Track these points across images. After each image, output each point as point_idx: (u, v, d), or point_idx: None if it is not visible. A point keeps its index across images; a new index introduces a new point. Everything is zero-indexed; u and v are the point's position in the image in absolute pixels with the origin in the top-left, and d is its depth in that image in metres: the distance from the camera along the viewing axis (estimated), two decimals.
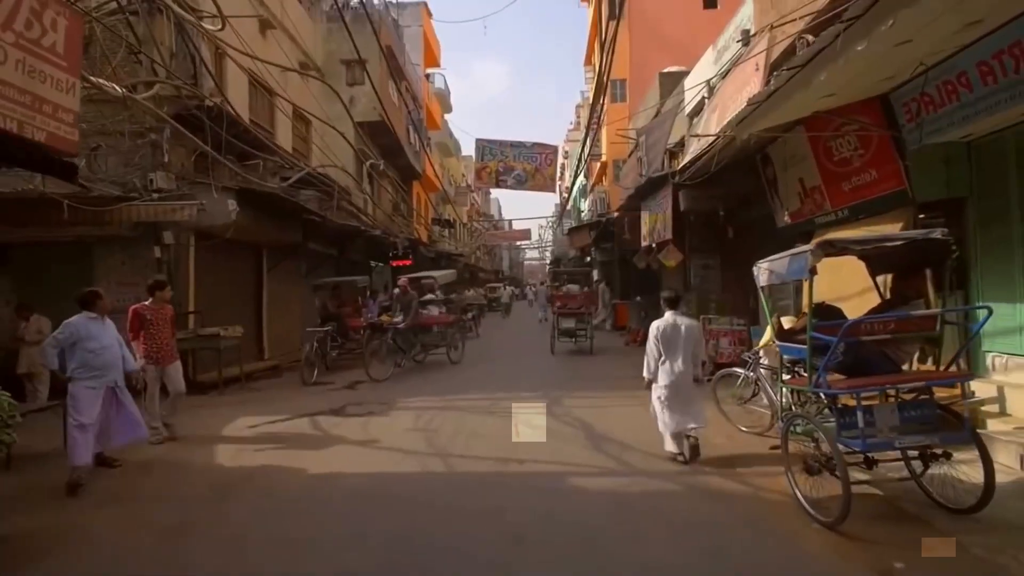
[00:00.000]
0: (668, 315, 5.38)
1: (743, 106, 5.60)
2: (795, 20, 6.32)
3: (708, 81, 11.23)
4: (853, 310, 4.54)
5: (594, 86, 14.98)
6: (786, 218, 8.83)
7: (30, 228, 8.72)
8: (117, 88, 6.72)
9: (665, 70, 16.50)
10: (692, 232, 13.37)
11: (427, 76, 30.47)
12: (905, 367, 4.14)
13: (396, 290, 12.44)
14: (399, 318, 11.52)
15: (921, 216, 6.04)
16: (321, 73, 16.56)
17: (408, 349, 11.86)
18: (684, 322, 5.35)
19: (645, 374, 5.48)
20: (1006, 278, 5.34)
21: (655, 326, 5.41)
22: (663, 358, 5.31)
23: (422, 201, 29.32)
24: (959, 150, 5.68)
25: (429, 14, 28.64)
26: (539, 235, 57.77)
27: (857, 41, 3.63)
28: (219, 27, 8.05)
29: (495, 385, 9.82)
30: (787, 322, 5.30)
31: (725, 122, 6.51)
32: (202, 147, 9.07)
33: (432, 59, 31.20)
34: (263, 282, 12.89)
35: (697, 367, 5.37)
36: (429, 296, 13.73)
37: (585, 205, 37.51)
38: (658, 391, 5.36)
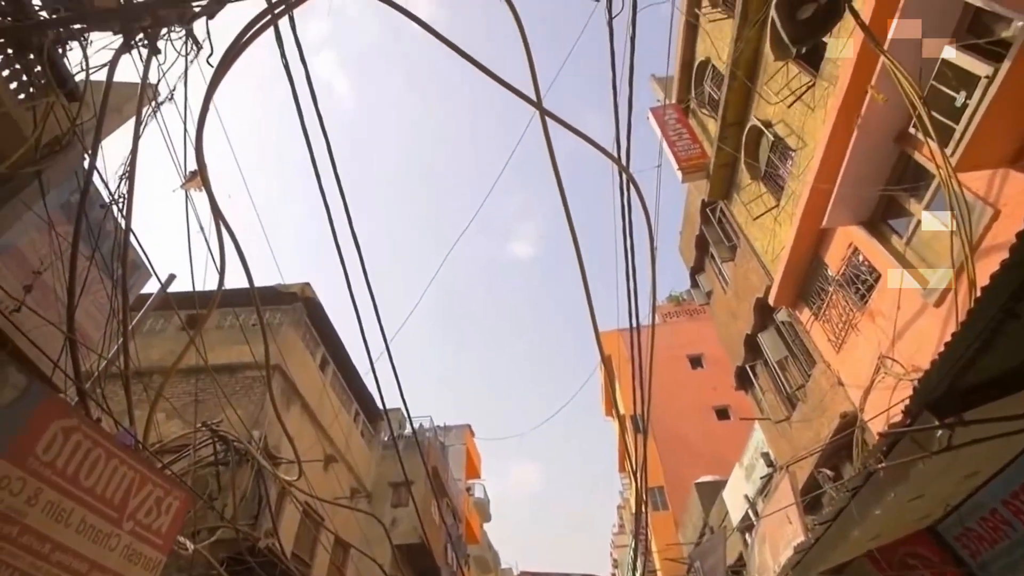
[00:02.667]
0: None
1: (791, 551, 5.63)
2: (808, 456, 6.99)
3: (747, 497, 11.44)
4: None
5: (632, 500, 15.11)
6: None
7: None
8: (188, 546, 7.22)
9: (699, 480, 16.97)
10: None
11: (468, 489, 31.43)
12: None
13: None
14: None
15: None
16: (370, 497, 17.41)
17: None
18: None
19: None
20: None
21: None
22: None
23: None
24: None
25: (472, 433, 31.77)
26: None
27: (872, 506, 4.00)
28: (296, 476, 9.14)
29: None
30: None
31: (779, 568, 6.39)
32: None
33: (473, 471, 32.81)
34: None
35: None
36: None
37: None
38: None
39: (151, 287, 8.31)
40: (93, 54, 4.90)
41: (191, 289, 5.83)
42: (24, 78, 5.22)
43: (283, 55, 4.75)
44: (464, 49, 3.94)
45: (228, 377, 12.11)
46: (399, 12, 4.21)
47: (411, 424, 9.25)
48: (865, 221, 6.86)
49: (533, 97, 4.14)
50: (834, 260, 7.57)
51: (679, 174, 10.67)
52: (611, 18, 4.47)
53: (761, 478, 10.63)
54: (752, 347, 11.28)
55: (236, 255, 4.79)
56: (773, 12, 4.10)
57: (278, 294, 14.59)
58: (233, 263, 7.16)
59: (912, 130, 5.26)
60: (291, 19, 4.64)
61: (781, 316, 9.69)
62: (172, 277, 8.52)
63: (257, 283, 5.42)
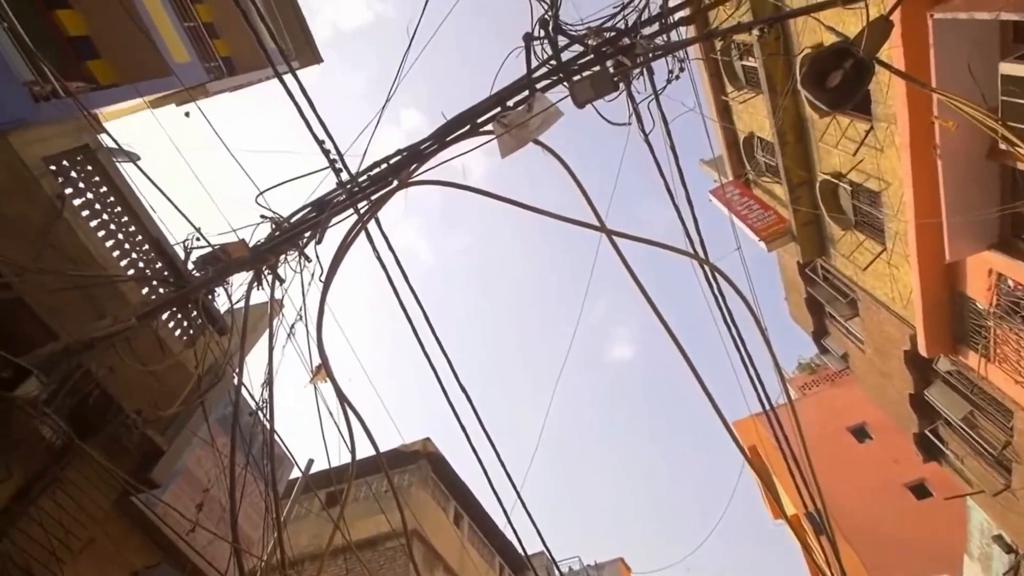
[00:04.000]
0: None
1: None
2: None
3: None
4: None
5: None
6: None
7: None
8: None
9: None
10: None
11: None
12: None
13: None
14: None
15: None
16: None
17: None
18: None
19: None
20: None
21: None
22: None
23: None
24: None
25: (627, 568, 28.96)
26: None
27: None
28: None
29: None
30: None
31: None
32: None
33: None
34: None
35: None
36: None
37: None
38: None
39: (293, 474, 9.01)
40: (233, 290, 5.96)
41: (327, 467, 6.26)
42: (184, 324, 6.38)
43: (375, 251, 5.49)
44: (522, 199, 4.37)
45: (371, 552, 12.26)
46: (464, 189, 4.82)
47: (559, 570, 8.68)
48: (996, 243, 6.19)
49: (596, 222, 4.42)
50: (979, 292, 6.75)
51: (762, 245, 10.37)
52: (646, 136, 4.81)
53: (1005, 573, 8.59)
54: (923, 407, 9.79)
55: (362, 430, 5.19)
56: (801, 89, 4.25)
57: (402, 455, 15.04)
58: (359, 435, 7.69)
59: (1003, 145, 4.92)
60: (377, 221, 5.43)
61: (943, 366, 8.49)
62: (311, 462, 9.20)
63: (382, 446, 5.73)
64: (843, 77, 3.59)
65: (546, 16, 3.40)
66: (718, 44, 9.56)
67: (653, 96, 3.78)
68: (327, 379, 5.77)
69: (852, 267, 9.48)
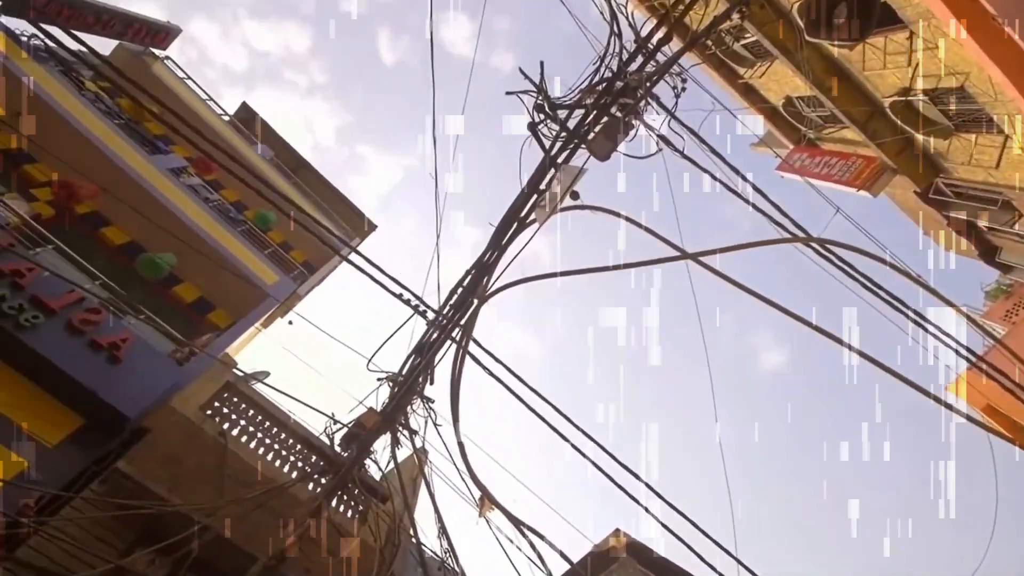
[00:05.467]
0: None
1: None
2: None
3: None
4: None
5: None
6: None
7: None
8: None
9: None
10: None
11: None
12: None
13: None
14: None
15: None
16: None
17: None
18: None
19: None
20: None
21: None
22: None
23: None
24: None
25: None
26: None
27: None
28: None
29: None
30: None
31: None
32: None
33: None
34: None
35: None
36: None
37: None
38: None
39: None
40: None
41: None
42: (352, 503, 6.73)
43: (486, 370, 5.62)
44: (588, 261, 4.35)
45: None
46: (537, 279, 4.92)
47: None
48: None
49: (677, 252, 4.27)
50: None
51: (864, 193, 9.39)
52: (683, 153, 4.71)
53: None
54: None
55: (547, 545, 5.01)
56: (814, 40, 4.03)
57: (599, 557, 14.13)
58: (545, 550, 7.40)
59: None
60: (475, 341, 5.61)
61: None
62: None
63: (570, 554, 5.45)
64: (848, 5, 3.39)
65: (539, 101, 3.58)
66: (709, 42, 9.51)
67: (669, 117, 3.76)
68: (493, 507, 5.75)
69: (980, 170, 8.30)
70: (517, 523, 5.24)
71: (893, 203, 11.39)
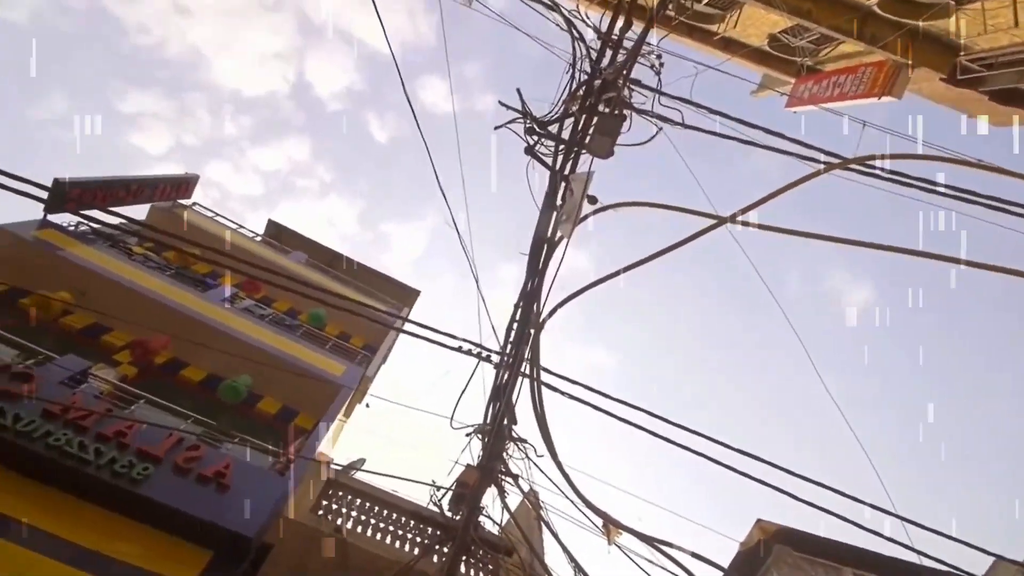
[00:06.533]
0: None
1: None
2: None
3: None
4: None
5: None
6: None
7: None
8: None
9: None
10: None
11: None
12: None
13: None
14: None
15: None
16: None
17: None
18: None
19: None
20: None
21: None
22: None
23: None
24: None
25: None
26: None
27: None
28: None
29: None
30: None
31: None
32: None
33: None
34: None
35: None
36: None
37: None
38: None
39: None
40: None
41: None
42: (479, 563, 6.69)
43: (564, 394, 5.58)
44: (630, 257, 4.29)
45: None
46: (584, 291, 4.90)
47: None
48: None
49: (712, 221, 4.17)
50: None
51: (889, 99, 8.94)
52: (684, 124, 4.64)
53: None
54: None
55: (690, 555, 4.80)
56: None
57: (746, 555, 13.33)
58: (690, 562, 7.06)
59: None
60: (544, 369, 5.59)
61: None
62: None
63: (717, 559, 5.18)
64: None
65: (528, 125, 3.66)
66: (671, 12, 9.48)
67: (656, 95, 3.75)
68: (620, 532, 5.57)
69: (1002, 35, 7.78)
70: (650, 541, 5.03)
71: (923, 98, 10.76)
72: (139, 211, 11.84)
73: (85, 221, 9.69)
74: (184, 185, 12.46)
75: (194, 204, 13.57)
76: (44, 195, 3.51)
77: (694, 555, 4.87)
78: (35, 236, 8.87)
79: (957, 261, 3.56)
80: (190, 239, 6.07)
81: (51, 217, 9.08)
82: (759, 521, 12.84)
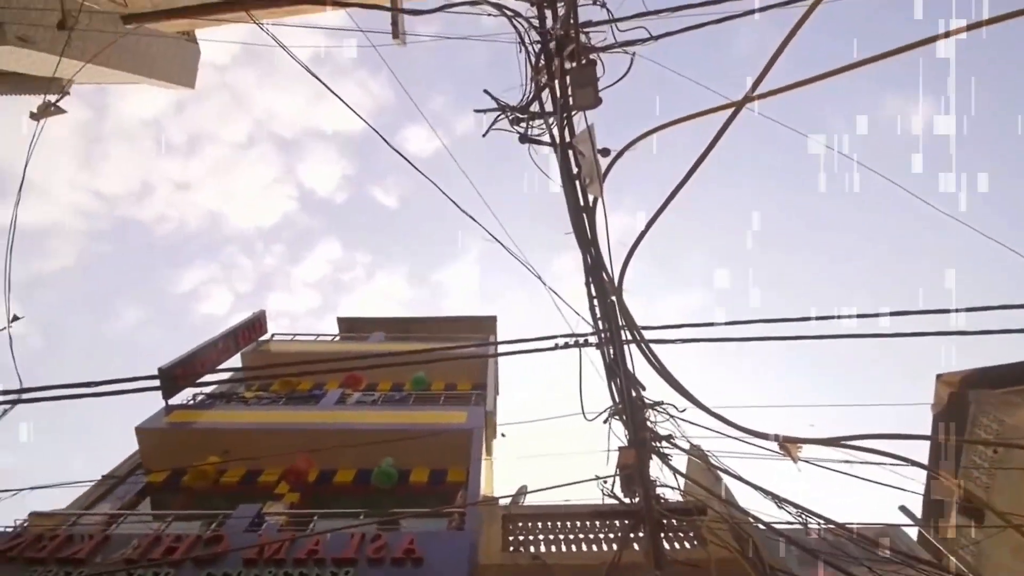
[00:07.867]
0: None
1: None
2: None
3: None
4: None
5: None
6: None
7: None
8: None
9: None
10: None
11: None
12: None
13: None
14: None
15: None
16: None
17: None
18: None
19: None
20: None
21: None
22: None
23: None
24: None
25: None
26: None
27: None
28: None
29: None
30: None
31: None
32: None
33: None
34: None
35: None
36: None
37: None
38: None
39: None
40: None
41: None
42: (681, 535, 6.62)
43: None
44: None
45: None
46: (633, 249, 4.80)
47: None
48: None
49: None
50: None
51: None
52: (652, 36, 4.46)
53: None
54: None
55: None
56: None
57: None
58: None
59: None
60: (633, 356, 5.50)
61: None
62: None
63: None
64: None
65: (507, 116, 3.67)
66: None
67: (611, 23, 3.64)
68: (800, 446, 5.28)
69: None
70: (835, 443, 4.65)
71: None
72: (235, 360, 12.89)
73: (201, 392, 10.71)
74: (257, 323, 13.44)
75: (273, 336, 14.60)
76: (157, 383, 3.89)
77: (892, 436, 4.46)
78: (167, 422, 9.88)
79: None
80: (281, 365, 6.59)
81: (171, 401, 10.08)
82: (940, 376, 10.99)
